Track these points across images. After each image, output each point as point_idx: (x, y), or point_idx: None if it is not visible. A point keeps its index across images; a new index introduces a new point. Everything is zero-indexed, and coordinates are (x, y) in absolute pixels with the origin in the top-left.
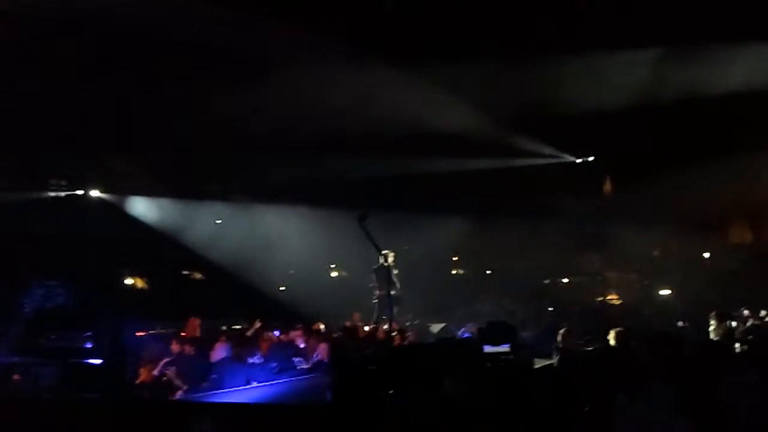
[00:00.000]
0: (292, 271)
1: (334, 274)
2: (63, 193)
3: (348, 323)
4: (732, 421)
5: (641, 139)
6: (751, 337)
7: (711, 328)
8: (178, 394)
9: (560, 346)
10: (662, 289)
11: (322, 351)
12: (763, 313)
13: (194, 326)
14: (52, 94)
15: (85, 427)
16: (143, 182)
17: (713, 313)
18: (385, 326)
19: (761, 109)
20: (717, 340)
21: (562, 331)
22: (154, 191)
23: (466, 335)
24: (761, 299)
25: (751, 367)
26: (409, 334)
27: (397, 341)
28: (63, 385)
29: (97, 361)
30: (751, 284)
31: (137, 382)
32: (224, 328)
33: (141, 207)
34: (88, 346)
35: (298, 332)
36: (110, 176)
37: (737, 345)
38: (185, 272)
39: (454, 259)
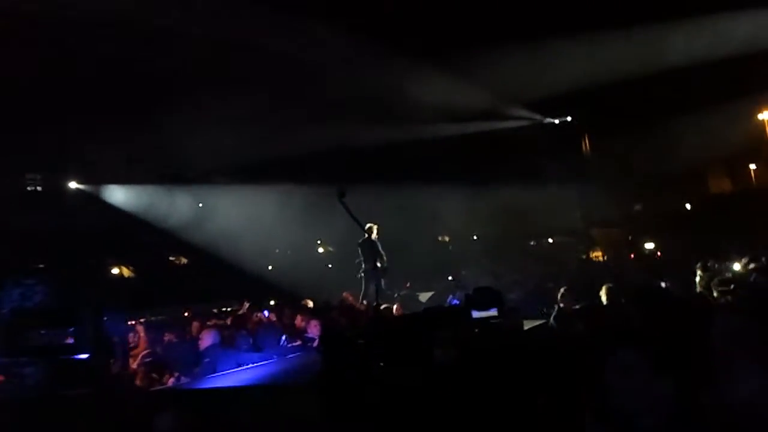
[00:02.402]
0: (277, 250)
1: (320, 250)
2: (39, 187)
3: (337, 302)
4: (716, 373)
5: (617, 97)
6: (732, 286)
7: (697, 279)
8: (170, 382)
9: (560, 305)
10: (646, 242)
11: (312, 328)
12: (743, 261)
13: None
14: (23, 87)
15: (74, 423)
16: (121, 170)
17: (698, 264)
18: (373, 300)
19: (729, 66)
20: (701, 292)
21: (561, 290)
22: (133, 178)
23: (455, 302)
24: (744, 247)
25: (734, 315)
26: (397, 305)
27: (385, 313)
28: (48, 383)
29: (83, 356)
30: (733, 232)
31: (127, 372)
32: (215, 310)
33: (120, 195)
34: (71, 341)
35: (288, 311)
36: (87, 166)
37: (716, 295)
38: (171, 258)
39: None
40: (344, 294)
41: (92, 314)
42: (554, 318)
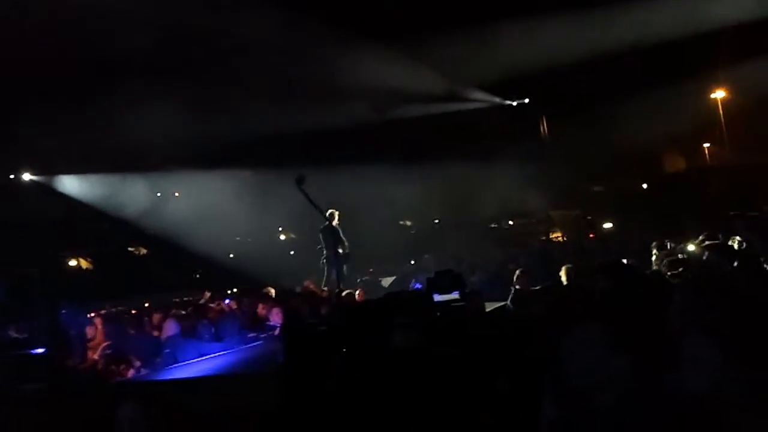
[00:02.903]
0: (238, 238)
1: (282, 237)
2: None
3: (299, 289)
4: (671, 354)
5: (574, 79)
6: (681, 269)
7: (653, 259)
8: (131, 373)
9: (516, 287)
10: (605, 222)
11: (274, 316)
12: (698, 240)
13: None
14: None
15: (31, 418)
16: (75, 160)
17: (654, 244)
18: (335, 286)
19: (683, 46)
20: (657, 270)
21: (517, 272)
22: (87, 168)
23: (417, 286)
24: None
25: (685, 295)
26: (359, 291)
27: (347, 299)
28: (3, 378)
29: (39, 351)
30: (689, 211)
31: (86, 365)
32: (175, 300)
33: (75, 186)
34: (25, 336)
35: (249, 299)
36: (40, 157)
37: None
38: (130, 248)
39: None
40: (306, 282)
41: (47, 308)
42: (511, 300)
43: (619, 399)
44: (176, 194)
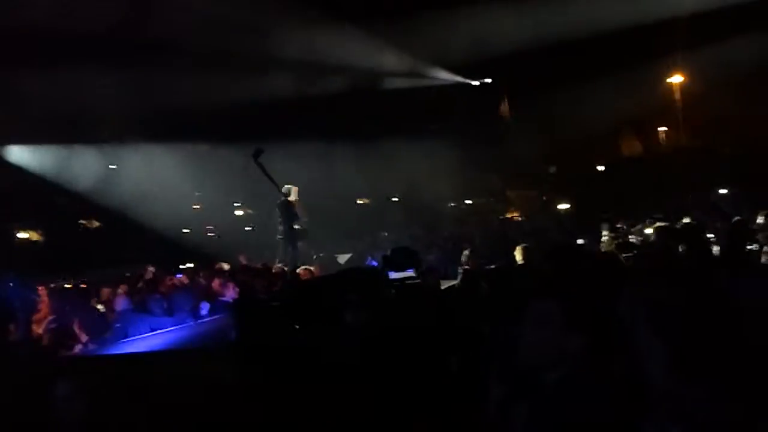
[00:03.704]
0: (194, 210)
1: (238, 213)
2: None
3: (244, 262)
4: (621, 338)
5: (534, 59)
6: (634, 252)
7: (603, 239)
8: (78, 348)
9: (465, 267)
10: (561, 203)
11: (228, 291)
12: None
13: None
14: None
15: None
16: (27, 129)
17: (605, 225)
18: (291, 262)
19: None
20: (609, 252)
21: (466, 252)
22: (39, 138)
23: (373, 263)
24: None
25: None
26: (315, 267)
27: (301, 275)
28: None
29: None
30: (644, 194)
31: (32, 340)
32: (127, 275)
33: (25, 156)
34: None
35: (203, 274)
36: None
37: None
38: (82, 221)
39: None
40: (240, 257)
41: None
42: (460, 280)
43: (569, 377)
44: (129, 167)
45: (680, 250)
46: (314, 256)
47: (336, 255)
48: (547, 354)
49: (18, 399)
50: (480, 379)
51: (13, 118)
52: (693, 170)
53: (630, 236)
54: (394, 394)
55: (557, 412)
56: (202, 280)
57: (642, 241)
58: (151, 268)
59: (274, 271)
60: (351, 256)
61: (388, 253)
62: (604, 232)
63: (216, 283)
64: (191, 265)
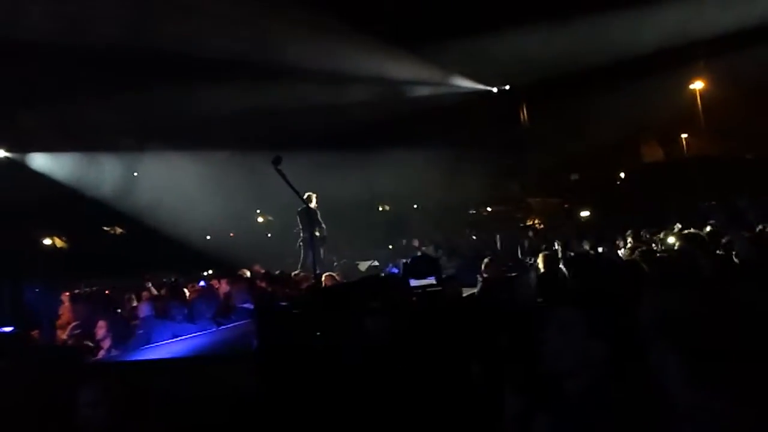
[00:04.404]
0: (216, 220)
1: (260, 219)
2: None
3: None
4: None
5: (554, 67)
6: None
7: (627, 246)
8: (101, 353)
9: (484, 275)
10: (583, 210)
11: (248, 298)
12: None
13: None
14: None
15: None
16: (52, 138)
17: (629, 233)
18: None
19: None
20: (632, 260)
21: (485, 260)
22: (62, 146)
23: (394, 270)
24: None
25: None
26: (336, 274)
27: (323, 283)
28: None
29: (6, 329)
30: (666, 202)
31: (56, 345)
32: (150, 282)
33: (50, 164)
34: None
35: (223, 281)
36: (13, 133)
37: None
38: (106, 228)
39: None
40: (255, 267)
41: (11, 285)
42: (479, 290)
43: (591, 387)
44: (152, 174)
45: (702, 258)
46: (335, 263)
47: (357, 262)
48: (569, 362)
49: (42, 404)
50: (501, 387)
51: (37, 126)
52: (715, 178)
53: (652, 244)
54: (415, 401)
55: (579, 422)
56: (222, 287)
57: (664, 249)
58: (177, 277)
59: (295, 277)
60: (372, 264)
61: (409, 260)
62: (629, 239)
63: (237, 290)
64: (210, 272)
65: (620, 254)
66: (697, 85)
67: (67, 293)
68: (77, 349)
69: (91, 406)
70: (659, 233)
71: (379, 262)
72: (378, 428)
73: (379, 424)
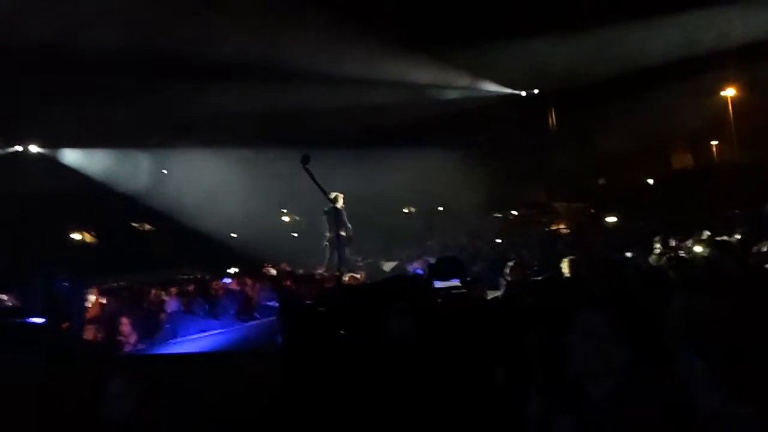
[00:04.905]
0: (242, 217)
1: (285, 218)
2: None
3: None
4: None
5: (583, 71)
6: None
7: (656, 252)
8: (128, 347)
9: (508, 278)
10: (609, 216)
11: (273, 296)
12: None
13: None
14: None
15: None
16: (84, 134)
17: (657, 238)
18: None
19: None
20: (659, 266)
21: (510, 263)
22: (96, 142)
23: (418, 271)
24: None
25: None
26: (360, 274)
27: (347, 282)
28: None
29: (38, 320)
30: (695, 208)
31: (85, 338)
32: (178, 277)
33: (81, 159)
34: (20, 304)
35: (249, 278)
36: (50, 130)
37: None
38: (134, 224)
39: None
40: (282, 264)
41: (44, 278)
42: (503, 292)
43: (616, 391)
44: (181, 171)
45: (733, 266)
46: (360, 263)
47: (381, 262)
48: (594, 366)
49: (70, 396)
50: (524, 390)
51: (69, 121)
52: (745, 184)
53: (680, 251)
54: (437, 402)
55: (603, 426)
56: (249, 285)
57: (692, 256)
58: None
59: (318, 276)
60: (397, 264)
61: (434, 262)
62: (657, 245)
63: (262, 288)
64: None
65: (649, 261)
66: (729, 92)
67: (96, 288)
68: (104, 342)
69: (118, 398)
70: (687, 240)
71: (403, 262)
72: (399, 428)
73: (401, 424)
